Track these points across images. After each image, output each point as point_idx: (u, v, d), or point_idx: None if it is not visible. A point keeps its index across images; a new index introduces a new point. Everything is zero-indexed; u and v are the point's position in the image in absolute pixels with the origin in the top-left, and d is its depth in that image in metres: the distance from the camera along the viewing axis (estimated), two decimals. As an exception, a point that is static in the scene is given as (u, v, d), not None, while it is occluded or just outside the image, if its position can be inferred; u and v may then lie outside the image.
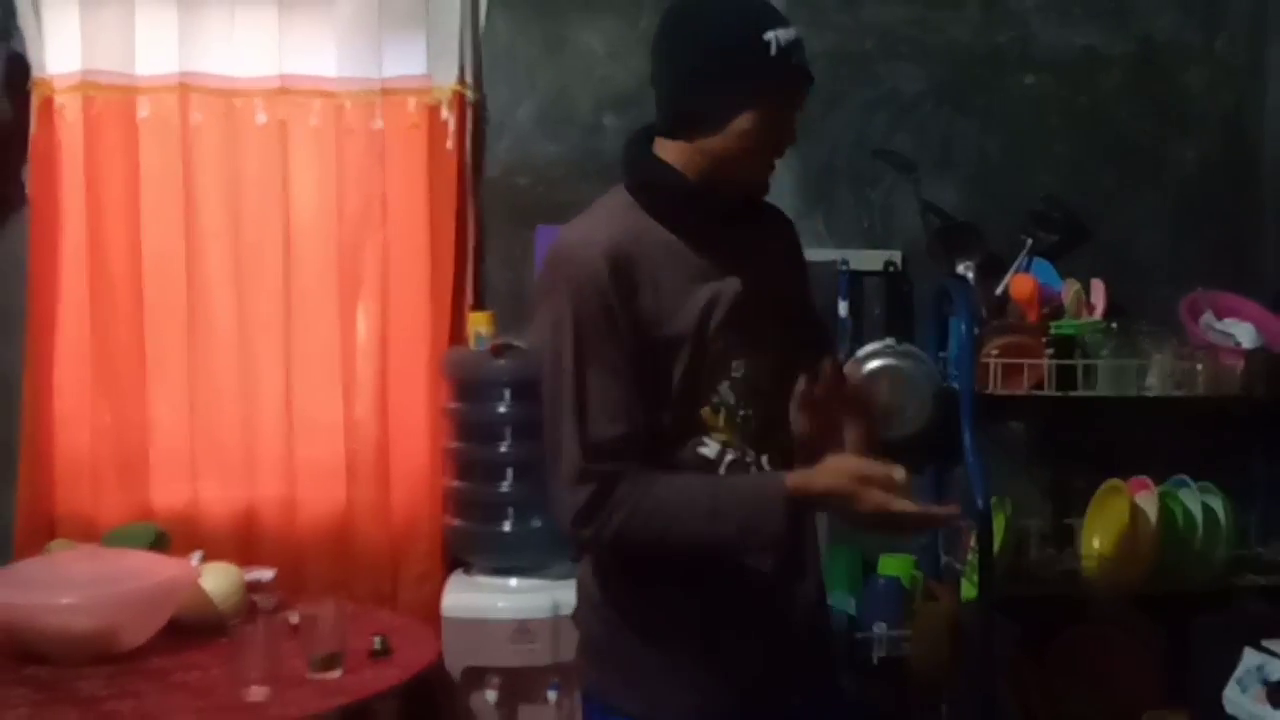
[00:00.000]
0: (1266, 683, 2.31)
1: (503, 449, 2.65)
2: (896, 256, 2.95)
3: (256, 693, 2.06)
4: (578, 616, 1.74)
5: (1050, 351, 2.69)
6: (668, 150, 1.61)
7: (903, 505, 1.50)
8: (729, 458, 1.62)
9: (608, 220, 1.60)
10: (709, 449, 1.61)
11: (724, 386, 1.62)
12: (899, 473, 1.51)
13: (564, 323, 1.53)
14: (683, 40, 1.57)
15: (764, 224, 1.75)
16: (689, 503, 1.54)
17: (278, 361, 2.81)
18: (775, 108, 1.56)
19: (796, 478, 1.54)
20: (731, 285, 1.62)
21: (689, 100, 1.57)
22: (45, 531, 2.72)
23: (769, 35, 1.52)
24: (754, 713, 1.65)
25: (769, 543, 1.58)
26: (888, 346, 2.72)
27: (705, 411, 1.61)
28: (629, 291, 1.54)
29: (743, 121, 1.55)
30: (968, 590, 2.59)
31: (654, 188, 1.61)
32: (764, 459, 1.65)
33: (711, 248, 1.62)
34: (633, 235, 1.58)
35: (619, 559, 1.63)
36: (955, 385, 2.66)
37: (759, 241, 1.71)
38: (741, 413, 1.63)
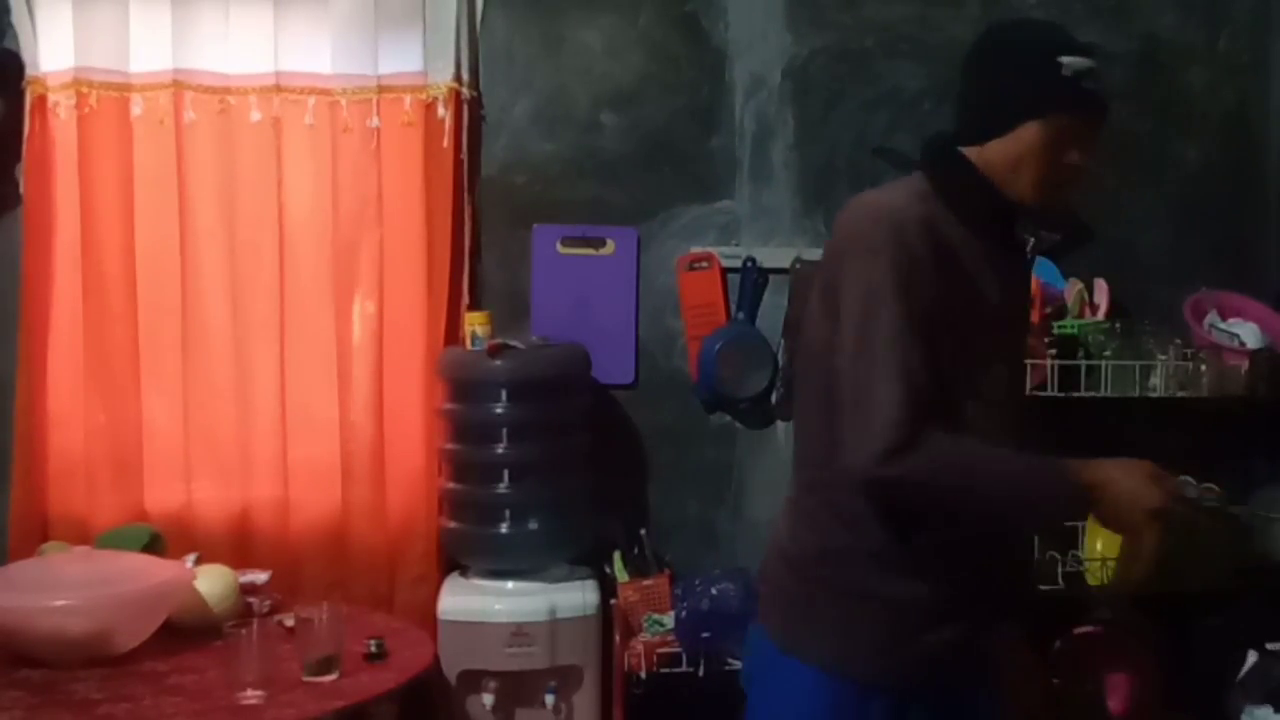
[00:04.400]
0: (1270, 685, 2.31)
1: (499, 450, 2.63)
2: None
3: (252, 696, 2.05)
4: (768, 573, 1.83)
5: (1053, 352, 2.69)
6: (967, 153, 1.76)
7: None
8: None
9: (917, 198, 1.71)
10: None
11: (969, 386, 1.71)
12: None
13: (887, 276, 1.61)
14: (990, 52, 1.76)
15: (1025, 254, 1.85)
16: (1000, 463, 1.63)
17: (272, 361, 2.79)
18: (1059, 125, 1.69)
19: (1090, 467, 1.62)
20: (994, 290, 1.74)
21: (985, 105, 1.74)
22: (38, 533, 2.70)
23: (1064, 59, 1.69)
24: (933, 676, 1.74)
25: (1046, 523, 1.73)
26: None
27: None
28: (935, 263, 1.64)
29: (1028, 130, 1.69)
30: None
31: (954, 179, 1.74)
32: None
33: (989, 251, 1.74)
34: (939, 215, 1.69)
35: (900, 506, 1.67)
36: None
37: (1018, 262, 1.83)
38: (971, 415, 1.70)
